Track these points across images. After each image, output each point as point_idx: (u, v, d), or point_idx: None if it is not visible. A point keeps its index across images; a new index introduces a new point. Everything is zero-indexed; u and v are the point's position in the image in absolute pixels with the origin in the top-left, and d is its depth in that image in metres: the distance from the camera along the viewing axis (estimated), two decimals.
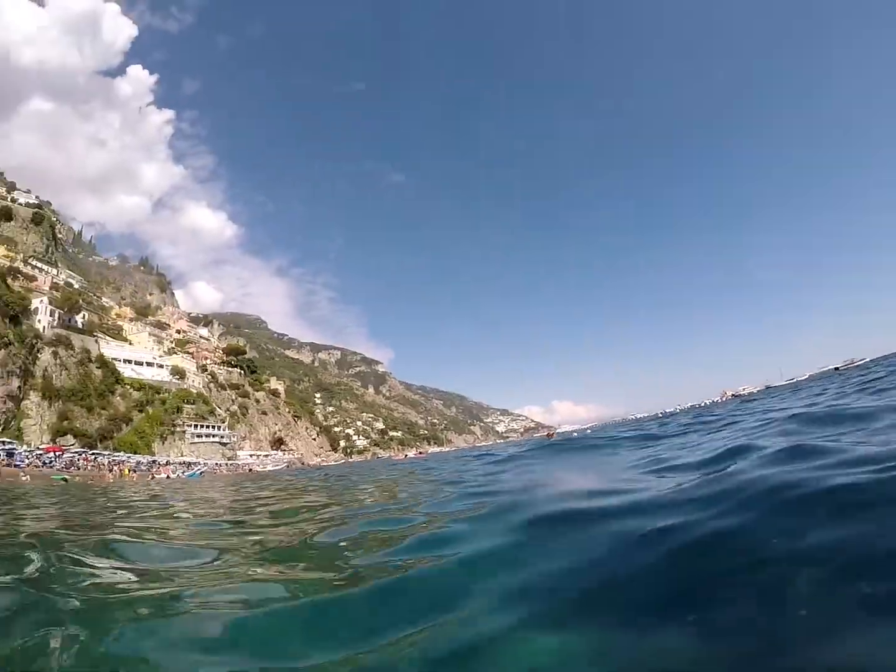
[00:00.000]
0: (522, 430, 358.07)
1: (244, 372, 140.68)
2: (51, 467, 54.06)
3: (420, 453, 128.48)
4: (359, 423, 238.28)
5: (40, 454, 57.65)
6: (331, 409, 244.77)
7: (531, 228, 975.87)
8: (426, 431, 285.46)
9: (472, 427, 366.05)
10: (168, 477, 59.85)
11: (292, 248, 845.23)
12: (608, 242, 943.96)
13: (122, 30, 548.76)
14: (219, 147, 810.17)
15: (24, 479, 39.67)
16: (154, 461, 74.49)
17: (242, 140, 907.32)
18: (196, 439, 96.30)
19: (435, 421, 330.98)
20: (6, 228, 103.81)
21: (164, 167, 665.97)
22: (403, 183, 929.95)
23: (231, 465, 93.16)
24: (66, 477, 45.70)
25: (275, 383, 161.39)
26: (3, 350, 69.54)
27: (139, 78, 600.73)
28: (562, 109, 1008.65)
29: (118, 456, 69.69)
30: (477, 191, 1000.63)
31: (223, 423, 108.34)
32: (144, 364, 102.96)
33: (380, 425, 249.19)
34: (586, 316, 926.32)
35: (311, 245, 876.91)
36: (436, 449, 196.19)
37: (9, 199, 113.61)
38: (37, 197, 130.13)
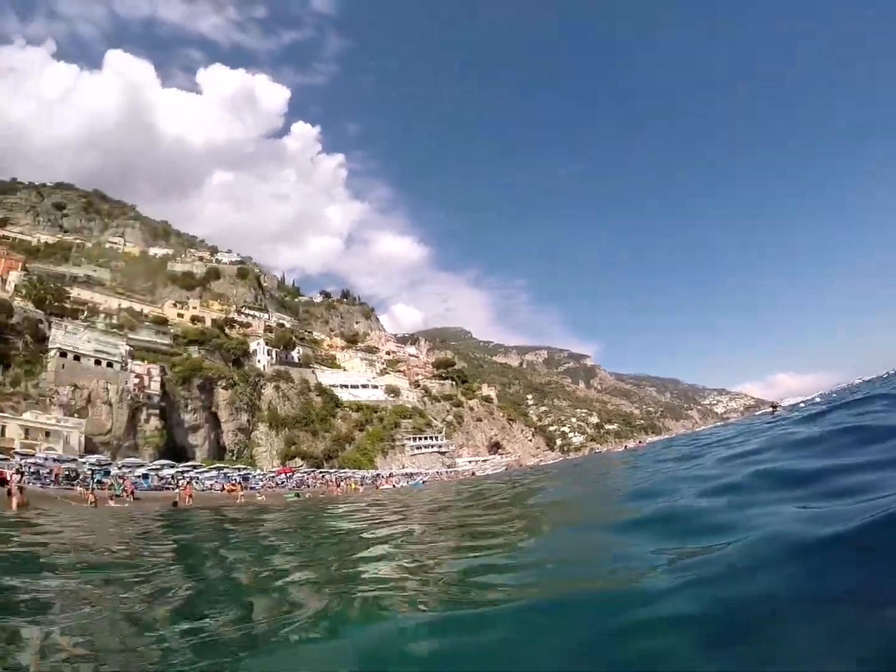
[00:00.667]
0: (742, 408, 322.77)
1: (455, 382, 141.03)
2: (283, 487, 55.26)
3: (640, 443, 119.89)
4: (573, 420, 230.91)
5: (273, 476, 59.72)
6: (543, 408, 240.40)
7: (731, 198, 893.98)
8: (642, 421, 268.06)
9: (688, 412, 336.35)
10: (393, 487, 58.48)
11: (482, 257, 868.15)
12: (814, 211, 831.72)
13: (276, 95, 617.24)
14: (392, 177, 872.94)
15: (259, 498, 41.41)
16: (378, 474, 74.59)
17: (412, 166, 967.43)
18: (415, 451, 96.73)
19: (650, 409, 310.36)
20: (217, 286, 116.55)
21: (345, 206, 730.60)
22: (580, 171, 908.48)
23: (451, 472, 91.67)
24: (298, 492, 46.08)
25: (486, 390, 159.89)
26: (230, 390, 75.86)
27: (303, 133, 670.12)
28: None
29: (344, 472, 70.69)
30: (659, 167, 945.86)
31: (440, 433, 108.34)
32: (360, 387, 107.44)
33: (594, 419, 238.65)
34: (799, 281, 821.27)
35: (500, 251, 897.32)
36: (654, 438, 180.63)
37: (214, 261, 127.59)
38: (238, 255, 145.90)
